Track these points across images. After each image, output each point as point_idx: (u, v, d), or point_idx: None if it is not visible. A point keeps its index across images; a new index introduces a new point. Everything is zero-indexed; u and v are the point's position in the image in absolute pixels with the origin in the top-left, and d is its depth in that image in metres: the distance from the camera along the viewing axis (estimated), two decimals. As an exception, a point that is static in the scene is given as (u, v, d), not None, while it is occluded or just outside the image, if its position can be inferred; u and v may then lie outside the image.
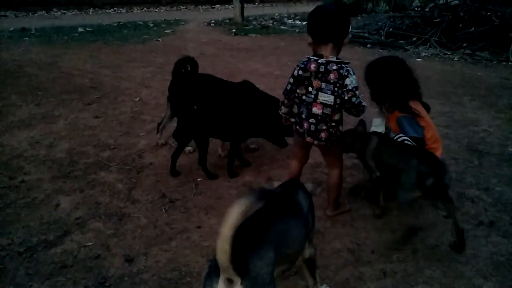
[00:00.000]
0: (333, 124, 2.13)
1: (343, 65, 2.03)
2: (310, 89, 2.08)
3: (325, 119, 2.10)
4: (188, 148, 3.24)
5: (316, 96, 2.07)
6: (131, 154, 3.22)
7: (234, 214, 1.06)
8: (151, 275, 1.93)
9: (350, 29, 2.10)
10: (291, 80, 2.12)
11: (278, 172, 2.96)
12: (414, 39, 8.51)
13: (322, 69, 2.03)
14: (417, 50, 7.95)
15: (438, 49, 7.80)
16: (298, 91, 2.12)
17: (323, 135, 2.14)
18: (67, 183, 2.78)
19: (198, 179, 2.85)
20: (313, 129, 2.14)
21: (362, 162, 2.56)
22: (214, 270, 1.17)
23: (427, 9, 9.82)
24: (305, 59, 2.09)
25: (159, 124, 3.39)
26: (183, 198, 2.62)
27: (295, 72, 2.10)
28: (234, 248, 1.14)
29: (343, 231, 2.31)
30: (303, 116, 2.14)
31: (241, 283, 1.13)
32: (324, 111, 2.08)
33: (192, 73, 3.22)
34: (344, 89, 2.02)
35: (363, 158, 2.50)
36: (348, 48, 8.27)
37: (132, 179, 2.84)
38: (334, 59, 2.05)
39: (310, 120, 2.13)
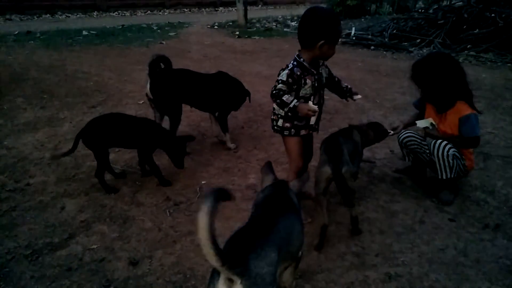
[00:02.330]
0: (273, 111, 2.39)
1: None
2: None
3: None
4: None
5: None
6: (135, 157, 3.22)
7: (201, 220, 1.08)
8: (156, 278, 1.93)
9: (329, 33, 2.09)
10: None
11: (282, 175, 2.95)
12: (418, 41, 8.47)
13: None
14: (421, 52, 7.92)
15: (442, 51, 7.76)
16: None
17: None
18: (72, 186, 2.79)
19: (202, 182, 2.86)
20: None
21: None
22: (216, 270, 1.19)
23: (430, 11, 9.77)
24: None
25: None
26: (187, 201, 2.62)
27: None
28: (229, 248, 1.22)
29: (348, 234, 2.30)
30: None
31: (241, 283, 1.14)
32: None
33: (167, 70, 3.22)
34: None
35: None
36: (352, 50, 8.28)
37: (137, 182, 2.85)
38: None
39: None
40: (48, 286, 1.88)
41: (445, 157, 2.48)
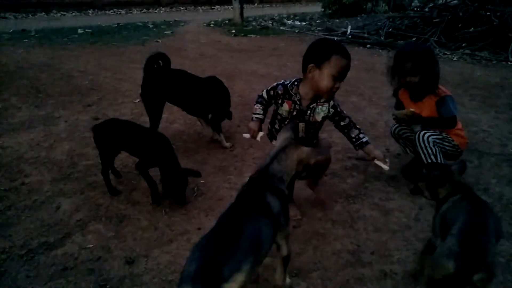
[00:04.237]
0: None
1: None
2: None
3: None
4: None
5: None
6: (131, 156, 3.22)
7: None
8: (152, 277, 1.93)
9: (319, 56, 2.00)
10: None
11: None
12: (414, 39, 8.50)
13: None
14: (416, 50, 7.95)
15: (437, 49, 7.79)
16: None
17: None
18: (67, 185, 2.78)
19: (201, 181, 2.86)
20: None
21: None
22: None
23: (426, 9, 9.82)
24: None
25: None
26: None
27: None
28: (202, 265, 1.18)
29: (343, 232, 2.31)
30: None
31: None
32: None
33: (164, 69, 3.22)
34: None
35: None
36: (348, 49, 8.27)
37: (133, 181, 2.85)
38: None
39: None
40: (44, 285, 1.87)
41: (427, 144, 2.60)
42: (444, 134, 2.68)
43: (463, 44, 7.78)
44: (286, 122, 2.19)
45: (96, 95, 4.84)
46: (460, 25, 8.09)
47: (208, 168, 3.06)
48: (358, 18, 12.47)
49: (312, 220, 2.43)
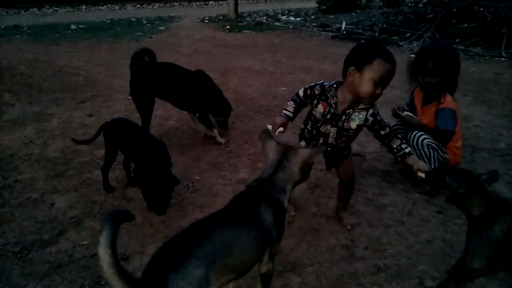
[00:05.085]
0: None
1: None
2: None
3: None
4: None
5: None
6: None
7: (103, 256, 1.02)
8: (147, 273, 1.94)
9: (361, 59, 1.87)
10: None
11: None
12: (408, 35, 8.53)
13: None
14: (410, 46, 7.96)
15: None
16: None
17: None
18: (61, 182, 2.77)
19: (196, 177, 2.86)
20: None
21: None
22: None
23: (420, 5, 9.83)
24: None
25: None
26: (178, 196, 2.62)
27: None
28: (151, 267, 1.15)
29: (337, 228, 2.33)
30: None
31: None
32: None
33: (151, 64, 3.20)
34: None
35: None
36: (342, 45, 8.29)
37: (127, 178, 2.84)
38: None
39: None
40: (38, 282, 1.87)
41: (420, 147, 2.57)
42: (440, 144, 2.63)
43: (457, 40, 7.82)
44: (319, 125, 2.09)
45: (90, 91, 4.81)
46: (454, 21, 8.12)
47: (203, 165, 3.06)
48: (353, 13, 12.47)
49: (307, 216, 2.44)
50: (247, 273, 1.44)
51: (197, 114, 3.44)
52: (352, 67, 1.89)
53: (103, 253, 1.01)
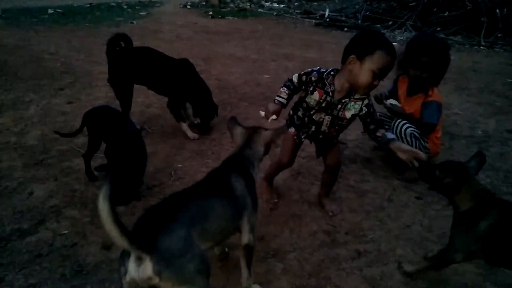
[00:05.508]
0: None
1: None
2: None
3: None
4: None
5: None
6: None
7: (102, 205, 1.11)
8: (129, 261, 1.93)
9: (363, 48, 1.87)
10: None
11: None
12: (390, 23, 8.57)
13: None
14: (393, 34, 8.01)
15: (413, 33, 7.86)
16: None
17: None
18: (40, 170, 2.71)
19: (178, 165, 2.84)
20: None
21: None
22: (126, 250, 1.22)
23: (403, -7, 9.86)
24: None
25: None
26: (160, 184, 2.61)
27: None
28: (139, 227, 1.27)
29: (319, 214, 2.36)
30: None
31: (150, 259, 1.18)
32: None
33: (127, 50, 3.14)
34: None
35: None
36: (326, 32, 8.29)
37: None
38: None
39: None
40: (18, 272, 1.85)
41: (403, 135, 2.62)
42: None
43: (438, 28, 7.89)
44: (311, 112, 2.07)
45: (69, 78, 4.69)
46: (435, 9, 8.19)
47: (185, 153, 3.04)
48: (336, 1, 12.42)
49: (289, 203, 2.46)
50: (225, 240, 1.67)
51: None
52: (353, 56, 1.87)
53: (102, 204, 1.11)
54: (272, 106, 2.04)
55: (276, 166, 2.42)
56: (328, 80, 1.98)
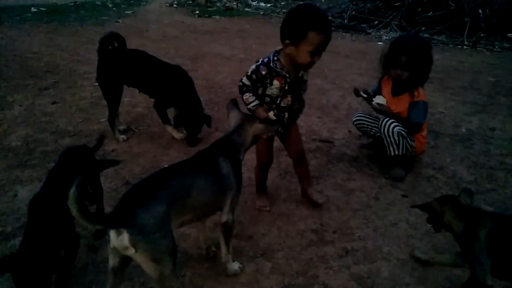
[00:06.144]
0: None
1: None
2: None
3: None
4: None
5: None
6: (92, 141, 3.11)
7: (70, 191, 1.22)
8: (117, 263, 1.91)
9: (293, 33, 1.91)
10: None
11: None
12: (376, 22, 8.65)
13: None
14: (378, 33, 8.10)
15: (398, 33, 7.95)
16: None
17: None
18: (24, 172, 2.67)
19: (165, 166, 2.82)
20: None
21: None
22: None
23: (388, -7, 9.96)
24: None
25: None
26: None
27: None
28: (120, 204, 1.39)
29: (307, 213, 2.37)
30: None
31: (127, 232, 1.30)
32: None
33: (120, 50, 3.10)
34: None
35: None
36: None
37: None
38: None
39: None
40: (2, 277, 1.81)
41: (390, 134, 2.64)
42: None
43: (422, 28, 8.00)
44: (278, 101, 2.10)
45: (53, 78, 4.62)
46: (419, 9, 8.30)
47: (172, 153, 3.03)
48: (322, 0, 12.49)
49: (277, 202, 2.47)
50: (206, 217, 1.80)
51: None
52: (287, 41, 1.93)
53: (71, 193, 1.22)
54: (262, 111, 2.04)
55: (259, 169, 2.43)
56: (278, 66, 2.03)
